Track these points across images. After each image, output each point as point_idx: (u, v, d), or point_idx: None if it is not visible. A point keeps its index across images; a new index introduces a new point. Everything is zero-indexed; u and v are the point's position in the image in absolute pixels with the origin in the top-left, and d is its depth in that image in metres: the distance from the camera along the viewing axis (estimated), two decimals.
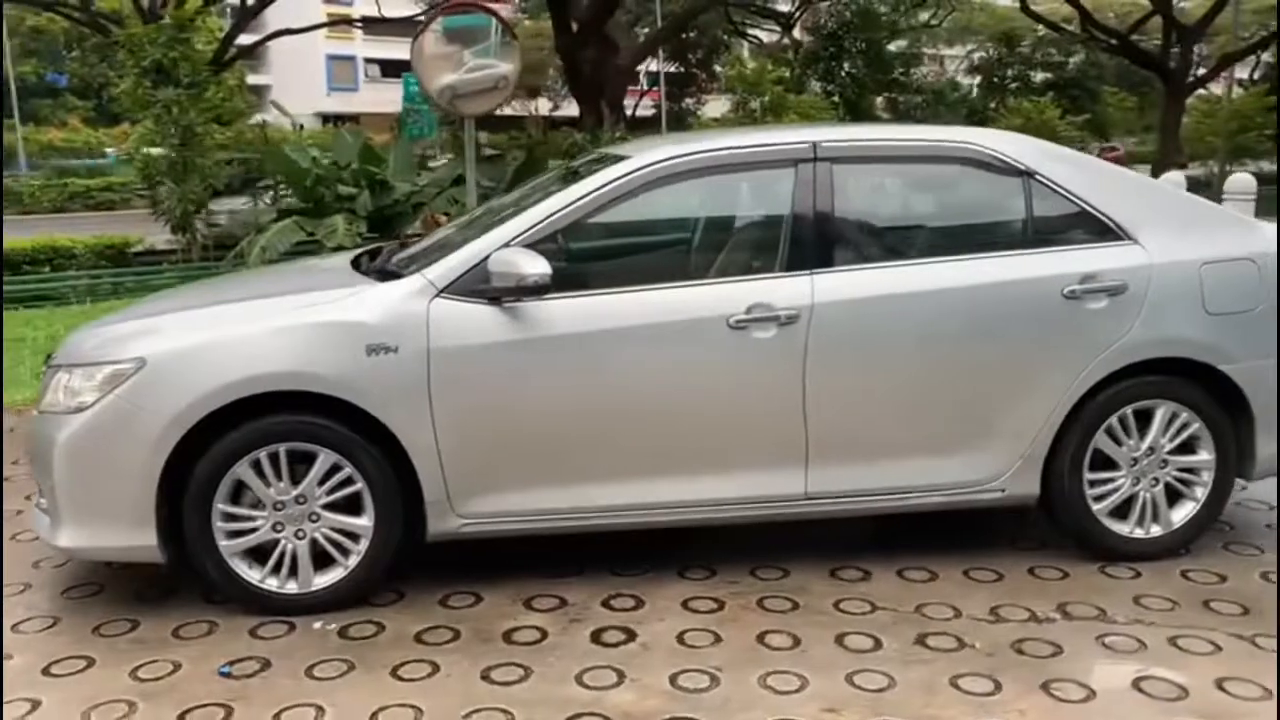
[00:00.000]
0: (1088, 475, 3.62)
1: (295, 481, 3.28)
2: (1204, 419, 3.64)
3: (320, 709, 2.80)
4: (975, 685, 2.88)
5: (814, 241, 3.51)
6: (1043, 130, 20.98)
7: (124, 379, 3.20)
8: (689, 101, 37.80)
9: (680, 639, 3.17)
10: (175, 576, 3.44)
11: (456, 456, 3.31)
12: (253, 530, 3.30)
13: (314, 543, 3.33)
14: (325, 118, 45.60)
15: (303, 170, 13.02)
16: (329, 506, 3.32)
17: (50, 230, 15.09)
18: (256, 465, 3.25)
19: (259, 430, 3.24)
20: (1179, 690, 2.85)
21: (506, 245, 3.34)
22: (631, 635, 3.20)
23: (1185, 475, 3.68)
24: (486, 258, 3.31)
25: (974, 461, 3.57)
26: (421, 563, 3.56)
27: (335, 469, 3.29)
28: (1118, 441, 3.62)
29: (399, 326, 3.27)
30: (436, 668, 3.02)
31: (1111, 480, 3.65)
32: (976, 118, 31.25)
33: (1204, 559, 3.70)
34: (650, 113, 41.50)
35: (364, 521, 3.33)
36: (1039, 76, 36.87)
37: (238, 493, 3.28)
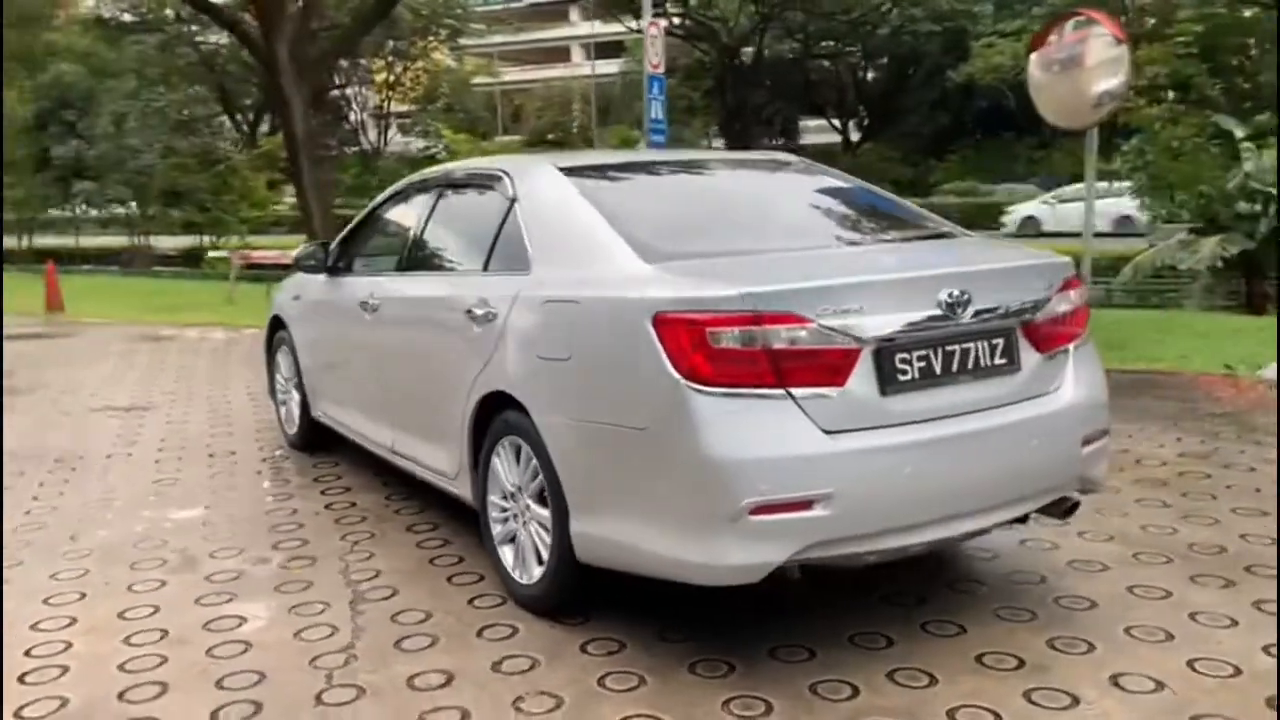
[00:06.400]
0: (491, 498, 3.65)
1: None
2: (545, 471, 3.30)
3: None
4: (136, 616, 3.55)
5: (410, 249, 4.44)
6: None
7: None
8: None
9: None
10: None
11: (309, 370, 5.38)
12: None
13: None
14: None
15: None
16: None
17: None
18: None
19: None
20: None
21: (335, 240, 5.19)
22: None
23: (540, 528, 3.38)
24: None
25: (444, 455, 3.98)
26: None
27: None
28: (504, 472, 3.56)
29: (299, 286, 5.50)
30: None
31: (504, 510, 3.60)
32: None
33: (588, 628, 3.29)
34: None
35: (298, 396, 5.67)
36: None
37: None
